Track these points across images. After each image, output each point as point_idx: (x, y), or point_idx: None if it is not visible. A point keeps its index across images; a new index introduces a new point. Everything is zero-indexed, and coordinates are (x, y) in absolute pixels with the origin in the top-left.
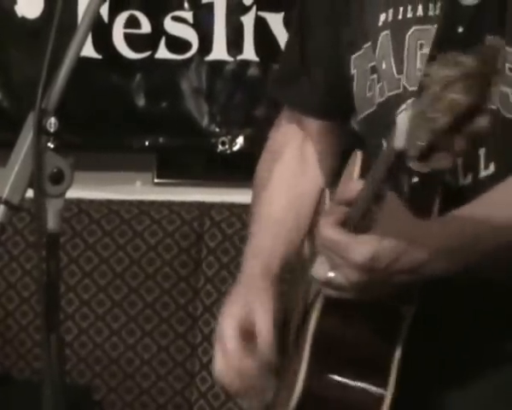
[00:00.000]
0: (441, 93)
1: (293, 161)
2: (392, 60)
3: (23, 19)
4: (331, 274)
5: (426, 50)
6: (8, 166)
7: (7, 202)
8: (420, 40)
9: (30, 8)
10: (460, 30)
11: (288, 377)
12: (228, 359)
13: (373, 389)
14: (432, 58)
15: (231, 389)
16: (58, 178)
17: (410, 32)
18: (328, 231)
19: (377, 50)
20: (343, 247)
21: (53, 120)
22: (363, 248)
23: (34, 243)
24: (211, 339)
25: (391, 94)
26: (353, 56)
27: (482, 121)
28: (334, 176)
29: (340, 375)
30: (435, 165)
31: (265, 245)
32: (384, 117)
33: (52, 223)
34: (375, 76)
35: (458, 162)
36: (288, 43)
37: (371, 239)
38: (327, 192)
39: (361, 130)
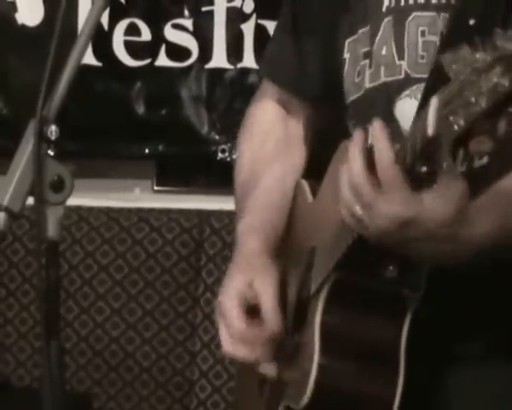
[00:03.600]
0: (478, 77)
1: (279, 146)
2: (394, 45)
3: (23, 26)
4: (358, 209)
5: (428, 38)
6: (9, 174)
7: (7, 210)
8: (421, 27)
9: (30, 15)
10: (471, 22)
11: (296, 364)
12: (233, 332)
13: (385, 377)
14: (445, 47)
15: (242, 359)
16: (58, 186)
17: (410, 18)
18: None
19: (378, 36)
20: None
21: (53, 127)
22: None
23: (34, 250)
24: (210, 347)
25: (388, 79)
26: (348, 40)
27: None
28: (312, 162)
29: (350, 368)
30: (474, 148)
31: (262, 219)
32: (377, 102)
33: (52, 231)
34: (366, 61)
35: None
36: (280, 24)
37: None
38: (305, 184)
39: (347, 115)
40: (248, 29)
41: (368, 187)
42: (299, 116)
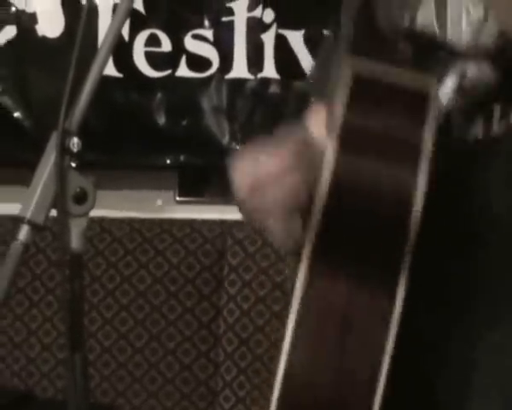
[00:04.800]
0: None
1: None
2: (435, 22)
3: (44, 38)
4: None
5: (472, 14)
6: (32, 187)
7: (30, 223)
8: (466, 3)
9: (51, 27)
10: None
11: None
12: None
13: (406, 175)
14: None
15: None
16: (81, 198)
17: None
18: None
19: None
20: None
21: (76, 139)
22: None
23: (57, 262)
24: (234, 357)
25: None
26: None
27: None
28: None
29: (370, 160)
30: None
31: None
32: None
33: (76, 243)
34: None
35: None
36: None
37: None
38: None
39: None
40: (269, 39)
41: None
42: None
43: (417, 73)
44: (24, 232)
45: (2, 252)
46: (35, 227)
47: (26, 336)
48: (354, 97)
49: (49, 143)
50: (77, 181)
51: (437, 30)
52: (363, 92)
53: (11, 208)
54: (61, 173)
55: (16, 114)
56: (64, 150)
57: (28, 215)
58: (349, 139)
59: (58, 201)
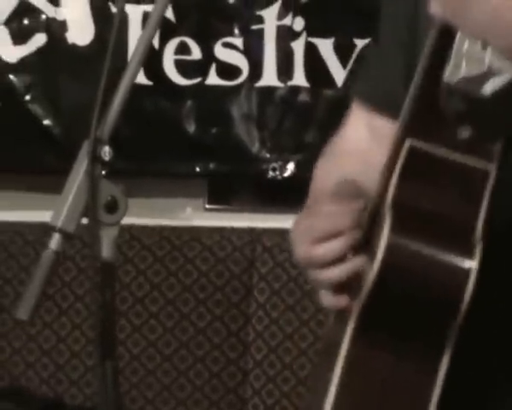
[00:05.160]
0: None
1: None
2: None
3: (74, 46)
4: None
5: None
6: (63, 195)
7: (62, 231)
8: None
9: (81, 35)
10: None
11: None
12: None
13: (459, 260)
14: None
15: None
16: (113, 207)
17: None
18: None
19: None
20: None
21: (107, 148)
22: None
23: (88, 271)
24: (263, 365)
25: (470, 75)
26: None
27: None
28: None
29: (422, 244)
30: None
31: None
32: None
33: (107, 252)
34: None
35: None
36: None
37: None
38: None
39: None
40: (298, 47)
41: None
42: (385, 139)
43: (475, 158)
44: (55, 241)
45: (32, 259)
46: (66, 236)
47: (55, 344)
48: (410, 171)
49: (81, 152)
50: (108, 190)
51: (480, 48)
52: (419, 166)
53: (40, 216)
54: (92, 182)
55: (46, 122)
56: (96, 159)
57: (59, 224)
58: (403, 216)
59: (89, 209)
